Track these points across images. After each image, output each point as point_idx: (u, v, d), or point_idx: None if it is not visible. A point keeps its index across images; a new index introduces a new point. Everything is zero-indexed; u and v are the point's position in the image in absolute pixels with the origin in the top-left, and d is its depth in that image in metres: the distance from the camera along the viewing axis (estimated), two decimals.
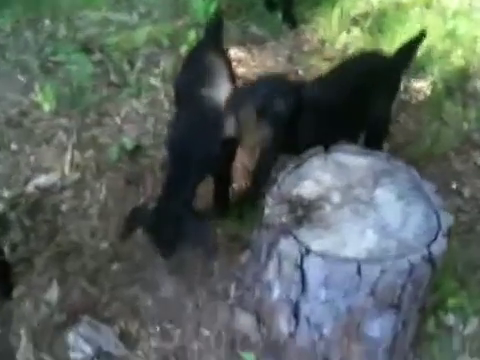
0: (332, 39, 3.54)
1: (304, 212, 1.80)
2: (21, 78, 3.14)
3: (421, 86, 3.28)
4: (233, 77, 2.49)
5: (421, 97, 3.23)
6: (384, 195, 1.85)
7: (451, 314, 2.17)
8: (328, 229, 1.75)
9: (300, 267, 1.71)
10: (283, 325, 1.91)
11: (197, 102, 2.26)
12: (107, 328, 2.06)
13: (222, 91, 2.30)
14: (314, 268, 1.68)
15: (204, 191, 2.31)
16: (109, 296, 2.18)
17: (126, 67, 3.24)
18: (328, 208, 1.81)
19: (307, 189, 1.87)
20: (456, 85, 3.27)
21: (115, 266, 2.27)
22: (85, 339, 2.01)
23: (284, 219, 1.77)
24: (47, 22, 3.58)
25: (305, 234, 1.73)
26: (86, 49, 3.32)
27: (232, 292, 2.18)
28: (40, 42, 3.40)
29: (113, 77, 3.19)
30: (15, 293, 2.17)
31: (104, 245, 2.34)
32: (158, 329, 2.09)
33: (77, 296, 2.18)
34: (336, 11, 3.65)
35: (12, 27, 3.47)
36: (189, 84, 2.37)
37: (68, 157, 2.68)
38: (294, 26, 3.63)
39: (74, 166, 2.65)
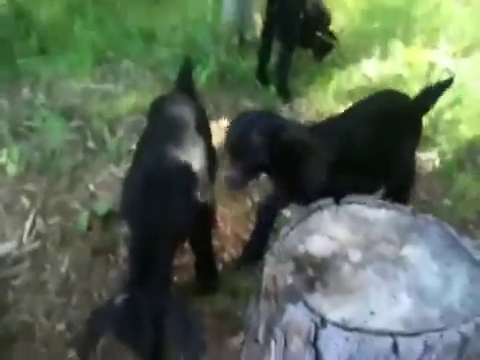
0: (328, 112, 3.33)
1: (316, 273, 1.39)
2: None
3: (429, 157, 3.02)
4: (208, 130, 2.17)
5: (430, 168, 2.96)
6: (415, 253, 1.46)
7: None
8: (349, 294, 1.34)
9: (313, 344, 1.27)
10: None
11: (161, 160, 1.85)
12: None
13: (191, 148, 1.93)
14: (333, 345, 1.25)
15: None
16: None
17: (106, 134, 2.96)
18: (346, 268, 1.41)
19: (317, 245, 1.49)
20: (466, 156, 3.02)
21: (72, 353, 1.79)
22: None
23: (291, 281, 1.36)
24: (25, 90, 3.36)
25: (319, 301, 1.32)
26: (65, 115, 3.06)
27: None
28: (16, 108, 3.14)
29: (91, 143, 2.90)
30: None
31: (61, 327, 1.88)
32: None
33: None
34: (332, 84, 3.50)
35: None
36: (152, 138, 1.99)
37: (28, 224, 2.28)
38: (288, 100, 3.45)
39: (34, 234, 2.25)
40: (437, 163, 2.97)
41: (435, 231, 1.55)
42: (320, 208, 1.62)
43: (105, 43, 3.86)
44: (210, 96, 3.40)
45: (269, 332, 1.44)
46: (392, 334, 1.22)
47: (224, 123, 3.25)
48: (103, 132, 2.95)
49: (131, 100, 3.29)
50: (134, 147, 2.85)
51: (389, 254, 1.46)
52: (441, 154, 2.98)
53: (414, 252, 1.47)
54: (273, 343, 1.42)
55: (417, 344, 1.21)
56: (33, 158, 2.67)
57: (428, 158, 2.98)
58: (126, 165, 2.70)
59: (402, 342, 1.21)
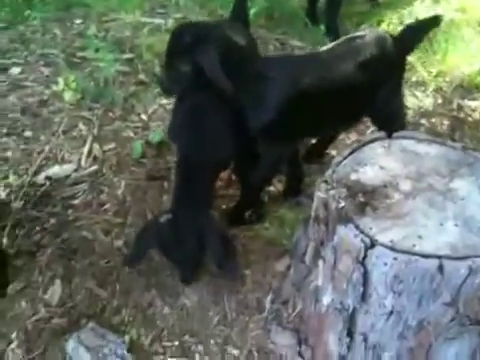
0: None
1: (367, 199, 1.46)
2: (44, 70, 2.92)
3: (476, 105, 2.99)
4: None
5: (477, 116, 2.93)
6: (464, 186, 1.51)
7: None
8: (398, 219, 1.40)
9: (362, 263, 1.36)
10: (332, 345, 1.54)
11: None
12: (115, 337, 1.70)
13: None
14: (381, 265, 1.33)
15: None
16: (120, 301, 1.84)
17: (157, 67, 3.01)
18: (397, 196, 1.47)
19: (369, 175, 1.54)
20: None
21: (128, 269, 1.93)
22: (87, 347, 1.65)
23: (342, 204, 1.43)
24: (78, 21, 3.42)
25: (369, 223, 1.39)
26: (116, 47, 3.12)
27: (267, 305, 1.81)
28: (68, 38, 3.22)
29: (141, 75, 2.96)
30: (11, 290, 1.85)
31: (118, 243, 2.02)
32: (176, 343, 1.73)
33: (82, 298, 1.84)
34: (383, 27, 3.44)
35: (41, 23, 3.30)
36: None
37: (86, 149, 2.40)
38: (336, 38, 3.40)
39: (92, 159, 2.37)
40: None
41: None
42: (372, 141, 1.67)
43: None
44: (257, 33, 3.40)
45: (317, 253, 1.53)
46: (439, 257, 1.29)
47: None
48: (153, 65, 3.01)
49: None
50: None
51: (439, 186, 1.50)
52: None
53: (463, 185, 1.51)
54: (321, 262, 1.51)
55: (462, 267, 1.28)
56: (87, 87, 2.76)
57: (475, 106, 2.95)
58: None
59: (448, 264, 1.28)
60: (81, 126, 2.54)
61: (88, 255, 1.97)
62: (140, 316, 1.80)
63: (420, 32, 2.19)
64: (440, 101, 3.02)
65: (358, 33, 2.19)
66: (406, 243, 1.34)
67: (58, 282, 1.87)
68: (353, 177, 1.54)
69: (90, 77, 2.85)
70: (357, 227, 1.38)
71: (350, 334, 1.49)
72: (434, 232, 1.37)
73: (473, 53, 3.25)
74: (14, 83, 2.81)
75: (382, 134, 1.69)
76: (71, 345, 1.66)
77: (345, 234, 1.38)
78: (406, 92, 3.02)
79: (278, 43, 3.46)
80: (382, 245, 1.33)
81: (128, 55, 3.12)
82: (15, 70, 2.90)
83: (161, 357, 1.70)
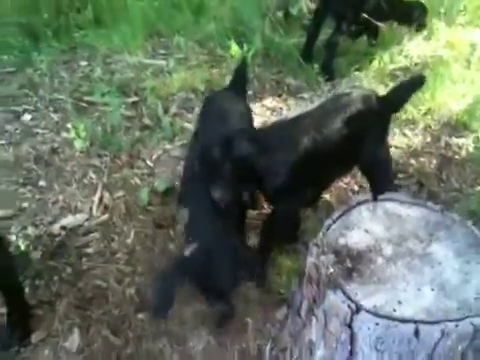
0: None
1: (353, 264, 1.64)
2: (54, 116, 3.11)
3: (463, 143, 3.17)
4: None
5: (464, 154, 3.11)
6: (441, 250, 1.69)
7: None
8: (380, 285, 1.59)
9: (349, 326, 1.54)
10: None
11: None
12: None
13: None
14: (365, 328, 1.51)
15: None
16: (133, 348, 2.02)
17: (160, 111, 3.20)
18: (380, 261, 1.66)
19: (355, 239, 1.73)
20: None
21: (141, 315, 2.12)
22: None
23: (331, 270, 1.62)
24: (83, 63, 3.61)
25: (355, 289, 1.58)
26: (121, 90, 3.31)
27: (267, 353, 1.99)
28: (75, 82, 3.40)
29: (147, 120, 3.15)
30: (34, 338, 2.03)
31: (130, 291, 2.20)
32: None
33: (99, 346, 2.02)
34: (374, 64, 3.62)
35: (48, 66, 3.49)
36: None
37: (97, 197, 2.59)
38: (331, 78, 3.59)
39: (102, 207, 2.55)
40: (471, 149, 3.11)
41: (460, 230, 1.77)
42: (359, 204, 1.86)
43: (156, 15, 4.05)
44: (254, 72, 3.59)
45: (310, 311, 1.71)
46: (415, 321, 1.47)
47: (267, 101, 3.46)
48: (157, 109, 3.19)
49: (181, 76, 3.50)
50: (186, 124, 3.13)
51: (417, 250, 1.69)
52: (475, 140, 3.12)
53: (440, 249, 1.69)
54: (314, 320, 1.69)
55: (436, 331, 1.46)
56: (96, 133, 2.94)
57: (462, 144, 3.13)
58: (179, 143, 2.98)
59: (423, 329, 1.46)
60: (91, 174, 2.72)
61: (102, 304, 2.15)
62: None
63: (406, 93, 2.37)
64: (429, 139, 3.21)
65: (345, 91, 2.38)
66: (387, 308, 1.52)
67: (76, 330, 2.05)
68: (341, 241, 1.72)
69: (98, 122, 3.03)
70: (344, 293, 1.56)
71: None
72: (412, 297, 1.55)
73: (461, 91, 3.43)
74: (26, 131, 2.99)
75: (368, 197, 1.87)
76: None
77: (334, 299, 1.56)
78: (396, 131, 3.22)
79: (274, 82, 3.65)
80: (366, 311, 1.51)
81: (133, 98, 3.30)
82: (27, 117, 3.08)
83: None
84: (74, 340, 2.02)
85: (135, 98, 3.31)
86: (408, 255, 1.67)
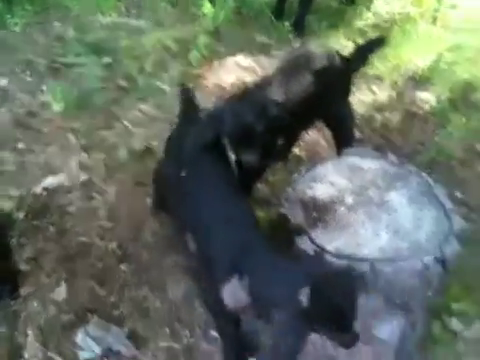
0: (339, 49, 3.58)
1: (319, 214, 1.80)
2: (29, 79, 3.15)
3: (426, 98, 3.32)
4: None
5: (427, 108, 3.26)
6: (397, 198, 1.86)
7: (455, 318, 2.17)
8: (342, 230, 1.75)
9: None
10: None
11: None
12: (116, 328, 2.05)
13: None
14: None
15: None
16: (118, 297, 2.17)
17: (134, 71, 3.25)
18: (342, 210, 1.82)
19: (321, 191, 1.88)
20: (460, 97, 3.30)
21: (123, 267, 2.26)
22: (94, 339, 1.99)
23: (299, 219, 1.77)
24: (57, 24, 3.61)
25: (320, 235, 1.74)
26: (95, 51, 3.34)
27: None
28: (49, 43, 3.42)
29: (121, 80, 3.20)
30: (22, 293, 2.15)
31: (112, 246, 2.33)
32: (167, 330, 2.08)
33: (85, 296, 2.16)
34: (343, 22, 3.71)
35: (22, 28, 3.49)
36: None
37: (76, 158, 2.68)
38: (301, 35, 3.67)
39: (82, 167, 2.65)
40: (433, 103, 3.27)
41: (415, 180, 1.94)
42: (325, 159, 2.01)
43: None
44: (226, 31, 3.65)
45: None
46: (371, 260, 1.65)
47: (240, 59, 3.53)
48: (132, 69, 3.25)
49: (155, 35, 3.54)
50: (160, 84, 3.20)
51: (376, 199, 1.85)
52: (437, 95, 3.27)
53: (396, 197, 1.86)
54: None
55: (389, 268, 1.64)
56: (72, 95, 3.00)
57: (425, 98, 3.28)
58: (154, 103, 3.07)
59: (379, 266, 1.64)
60: (69, 136, 2.80)
61: (86, 258, 2.28)
62: (136, 309, 2.13)
63: (366, 53, 2.49)
64: (394, 95, 3.35)
65: (308, 50, 2.48)
66: (348, 250, 1.69)
67: (63, 283, 2.19)
68: (308, 193, 1.88)
69: (73, 84, 3.07)
70: (310, 238, 1.73)
71: None
72: (370, 240, 1.72)
73: (426, 47, 3.56)
74: (2, 95, 3.03)
75: (334, 152, 2.02)
76: (80, 337, 2.00)
77: (301, 244, 1.73)
78: (364, 86, 3.35)
79: (246, 39, 3.70)
80: (329, 253, 1.68)
81: (107, 59, 3.34)
82: (2, 81, 3.11)
83: (155, 342, 2.05)
84: (61, 292, 2.15)
85: (109, 59, 3.34)
86: (368, 204, 1.84)
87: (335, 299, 1.44)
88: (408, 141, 3.01)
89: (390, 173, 1.96)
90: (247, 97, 2.17)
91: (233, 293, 1.60)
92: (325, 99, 2.29)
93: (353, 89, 2.95)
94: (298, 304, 1.44)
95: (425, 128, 3.13)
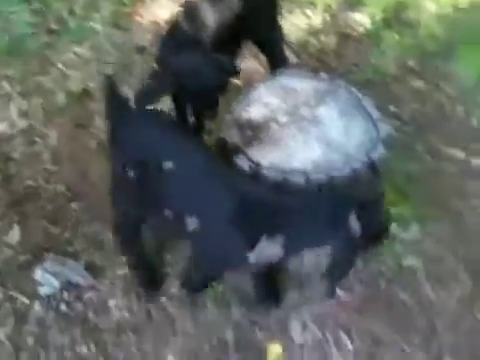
0: None
1: (253, 133, 1.89)
2: None
3: (360, 19, 3.38)
4: None
5: (361, 29, 3.34)
6: (327, 112, 1.95)
7: (394, 222, 2.33)
8: (275, 145, 1.85)
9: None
10: None
11: None
12: (73, 262, 2.13)
13: None
14: (267, 181, 1.78)
15: None
16: (71, 233, 2.24)
17: (65, 14, 3.18)
18: (275, 127, 1.91)
19: (255, 112, 1.96)
20: (393, 16, 3.38)
21: (74, 205, 2.31)
22: (52, 273, 2.07)
23: (235, 140, 1.86)
24: None
25: (255, 152, 1.83)
26: None
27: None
28: None
29: (53, 24, 3.13)
30: None
31: (60, 188, 2.37)
32: (122, 258, 2.17)
33: (39, 236, 2.22)
34: None
35: None
36: None
37: (15, 105, 2.65)
38: None
39: (22, 114, 2.63)
40: (367, 24, 3.34)
41: (344, 94, 2.03)
42: (259, 83, 2.07)
43: None
44: None
45: None
46: (304, 171, 1.76)
47: None
48: (62, 12, 3.17)
49: None
50: (92, 24, 3.15)
51: (308, 115, 1.95)
52: (371, 15, 3.34)
53: (327, 112, 1.96)
54: None
55: (322, 177, 1.75)
56: (2, 42, 2.93)
57: (359, 20, 3.35)
58: (88, 45, 3.02)
59: (313, 177, 1.75)
60: (4, 84, 2.75)
61: (36, 201, 2.32)
62: (90, 243, 2.21)
63: None
64: (329, 18, 3.40)
65: None
66: (282, 164, 1.79)
67: (15, 226, 2.23)
68: (244, 116, 1.95)
69: (3, 32, 2.99)
70: (246, 156, 1.82)
71: None
72: (302, 153, 1.82)
73: None
74: None
75: (268, 76, 2.09)
76: (39, 274, 2.07)
77: (240, 163, 1.81)
78: (297, 11, 3.38)
79: None
80: (264, 167, 1.78)
81: (36, 4, 3.24)
82: None
83: (112, 270, 2.14)
84: (14, 234, 2.20)
85: (38, 4, 3.24)
86: (299, 120, 1.93)
87: None
88: (344, 62, 3.10)
89: (321, 90, 2.04)
90: (184, 36, 2.17)
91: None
92: (253, 22, 2.32)
93: (286, 14, 3.02)
94: None
95: (360, 49, 3.21)
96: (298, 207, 1.66)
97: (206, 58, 2.00)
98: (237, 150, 1.83)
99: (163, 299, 2.10)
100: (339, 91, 2.04)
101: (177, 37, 2.16)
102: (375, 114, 1.95)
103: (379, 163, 1.83)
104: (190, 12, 2.23)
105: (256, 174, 1.77)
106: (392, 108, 2.86)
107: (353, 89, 2.07)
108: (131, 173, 1.75)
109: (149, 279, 2.11)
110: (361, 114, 1.96)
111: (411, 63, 3.17)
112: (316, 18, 3.37)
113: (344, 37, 3.26)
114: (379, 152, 1.83)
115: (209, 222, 1.67)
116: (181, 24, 2.23)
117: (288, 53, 3.04)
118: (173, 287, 2.12)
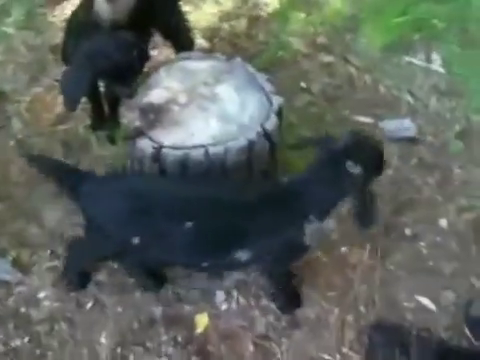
0: None
1: (155, 116, 1.99)
2: None
3: (269, 0, 3.51)
4: None
5: (270, 10, 3.47)
6: (224, 90, 2.07)
7: None
8: (177, 126, 1.96)
9: (158, 162, 1.91)
10: None
11: None
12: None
13: None
14: (171, 158, 1.89)
15: None
16: None
17: None
18: (176, 108, 2.01)
19: (156, 96, 2.06)
20: None
21: None
22: None
23: (137, 123, 1.95)
24: None
25: (157, 134, 1.93)
26: None
27: None
28: None
29: None
30: None
31: None
32: (48, 252, 2.24)
33: None
34: None
35: None
36: None
37: None
38: None
39: None
40: (276, 4, 3.47)
41: (240, 71, 2.16)
42: (160, 67, 2.17)
43: None
44: None
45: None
46: (204, 146, 1.87)
47: None
48: None
49: None
50: (6, 29, 3.16)
51: (206, 93, 2.06)
52: None
53: (224, 89, 2.08)
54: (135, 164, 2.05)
55: (220, 150, 1.87)
56: None
57: (267, 1, 3.48)
58: (2, 48, 3.04)
59: (211, 150, 1.87)
60: None
61: None
62: (15, 240, 2.27)
63: None
64: (239, 2, 3.51)
65: None
66: (184, 142, 1.90)
67: None
68: (144, 100, 2.05)
69: None
70: (150, 138, 1.92)
71: None
72: (202, 130, 1.94)
73: None
74: None
75: (167, 60, 2.19)
76: None
77: (142, 145, 1.92)
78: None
79: None
80: (167, 147, 1.89)
81: None
82: None
83: (39, 265, 2.21)
84: None
85: None
86: (199, 99, 2.04)
87: None
88: (255, 44, 3.23)
89: (218, 69, 2.16)
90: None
91: None
92: (155, 10, 2.40)
93: (198, 2, 3.12)
94: None
95: (270, 29, 3.34)
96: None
97: (110, 36, 2.09)
98: (140, 134, 1.93)
99: (91, 286, 2.17)
100: (235, 69, 2.17)
101: (79, 26, 2.24)
102: (268, 88, 2.08)
103: (274, 132, 1.96)
104: (88, 2, 2.29)
105: (158, 155, 1.88)
106: (303, 83, 3.01)
107: (249, 66, 2.20)
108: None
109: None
110: (256, 89, 2.09)
111: (320, 40, 3.33)
112: (226, 4, 3.48)
113: (254, 19, 3.39)
114: (272, 122, 1.96)
115: None
116: (81, 14, 2.31)
117: (200, 39, 3.18)
118: (101, 274, 2.20)
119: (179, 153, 1.86)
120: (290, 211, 1.69)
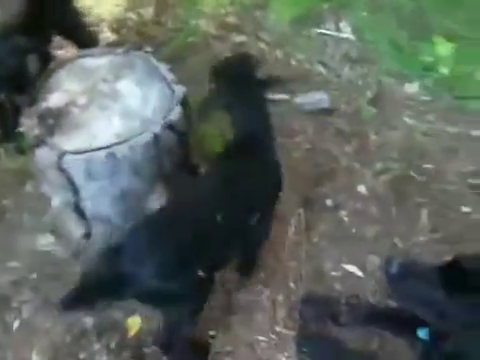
0: None
1: (54, 121, 1.91)
2: None
3: None
4: None
5: None
6: (125, 85, 2.01)
7: None
8: (78, 129, 1.89)
9: (62, 170, 1.84)
10: (76, 230, 2.07)
11: None
12: None
13: None
14: (73, 166, 1.83)
15: None
16: None
17: None
18: (76, 111, 1.94)
19: (55, 100, 1.98)
20: None
21: None
22: None
23: (36, 131, 1.87)
24: None
25: (58, 140, 1.86)
26: None
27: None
28: None
29: None
30: None
31: None
32: None
33: None
34: None
35: None
36: None
37: None
38: None
39: None
40: None
41: (141, 64, 2.10)
42: (58, 67, 2.08)
43: None
44: None
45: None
46: (108, 147, 1.82)
47: None
48: None
49: None
50: None
51: (107, 91, 2.00)
52: None
53: (124, 84, 2.02)
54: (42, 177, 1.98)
55: (124, 148, 1.82)
56: None
57: None
58: None
59: (117, 149, 1.82)
60: None
61: None
62: None
63: None
64: None
65: None
66: (86, 145, 1.84)
67: None
68: (44, 105, 1.96)
69: None
70: (51, 146, 1.84)
71: (84, 217, 2.02)
72: (105, 130, 1.88)
73: None
74: None
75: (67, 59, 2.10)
76: None
77: (44, 154, 1.84)
78: None
79: None
80: (68, 152, 1.82)
81: None
82: None
83: None
84: None
85: None
86: (99, 98, 1.97)
87: None
88: (164, 31, 3.16)
89: (117, 64, 2.09)
90: None
91: None
92: (46, 9, 2.30)
93: None
94: None
95: (178, 14, 3.28)
96: None
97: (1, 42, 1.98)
98: (39, 142, 1.85)
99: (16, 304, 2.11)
100: (135, 61, 2.11)
101: None
102: (170, 77, 2.04)
103: (179, 122, 1.93)
104: None
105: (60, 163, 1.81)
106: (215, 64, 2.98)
107: (150, 58, 2.14)
108: None
109: None
110: (157, 80, 2.04)
111: (230, 20, 3.30)
112: None
113: (161, 6, 3.32)
114: (176, 113, 1.92)
115: None
116: None
117: (107, 33, 3.08)
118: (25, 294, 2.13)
119: (81, 158, 1.80)
120: None
